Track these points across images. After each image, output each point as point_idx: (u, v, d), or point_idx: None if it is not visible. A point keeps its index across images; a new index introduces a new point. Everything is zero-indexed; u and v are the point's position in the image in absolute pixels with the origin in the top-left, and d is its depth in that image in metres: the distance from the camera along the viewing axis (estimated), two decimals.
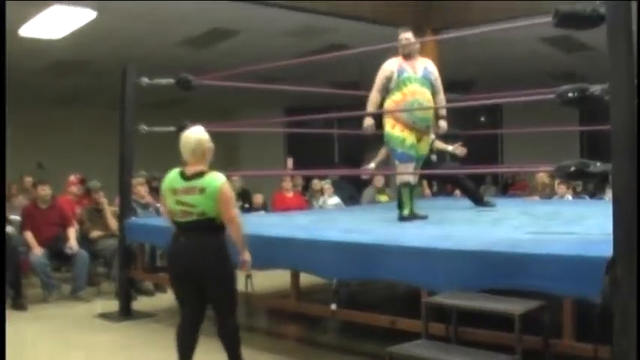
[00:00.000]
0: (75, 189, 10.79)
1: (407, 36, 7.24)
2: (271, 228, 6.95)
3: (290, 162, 16.56)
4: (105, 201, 10.03)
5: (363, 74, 13.22)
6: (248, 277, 7.23)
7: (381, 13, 10.89)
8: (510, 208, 8.82)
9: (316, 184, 12.78)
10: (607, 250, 3.96)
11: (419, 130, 7.16)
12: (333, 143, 18.66)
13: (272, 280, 8.14)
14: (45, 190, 9.46)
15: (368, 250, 5.47)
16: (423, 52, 11.12)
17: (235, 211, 5.11)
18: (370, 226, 6.84)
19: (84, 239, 9.66)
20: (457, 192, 11.38)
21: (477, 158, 11.81)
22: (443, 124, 7.61)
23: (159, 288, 9.32)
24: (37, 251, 8.98)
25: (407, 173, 7.22)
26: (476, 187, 9.50)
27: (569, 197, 11.11)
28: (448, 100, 8.97)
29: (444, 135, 8.58)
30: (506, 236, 5.57)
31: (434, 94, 7.29)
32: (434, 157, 8.92)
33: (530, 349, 4.49)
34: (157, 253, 9.35)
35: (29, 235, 9.10)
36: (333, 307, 6.14)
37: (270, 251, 6.23)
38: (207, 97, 13.67)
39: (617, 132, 3.91)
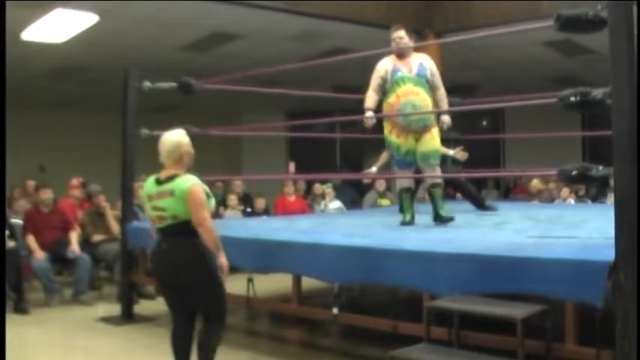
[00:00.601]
0: (77, 192, 10.78)
1: (400, 34, 7.07)
2: (273, 232, 6.95)
3: (292, 166, 16.54)
4: (107, 205, 10.04)
5: (364, 78, 13.27)
6: (250, 280, 7.22)
7: (383, 16, 10.91)
8: (512, 211, 8.82)
9: (317, 188, 12.78)
10: (609, 254, 3.95)
11: (416, 130, 7.01)
12: (335, 147, 18.67)
13: (274, 283, 8.13)
14: (47, 194, 9.47)
15: (370, 254, 5.46)
16: None
17: (206, 214, 4.82)
18: (372, 230, 6.83)
19: (86, 243, 9.66)
20: (458, 195, 11.38)
21: (478, 162, 11.82)
22: (445, 118, 7.28)
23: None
24: (39, 255, 8.98)
25: (405, 177, 7.23)
26: (477, 191, 9.49)
27: (572, 201, 11.11)
28: (449, 104, 8.98)
29: (446, 139, 8.58)
30: (508, 240, 5.56)
31: (433, 89, 7.08)
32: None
33: (533, 353, 4.49)
34: None
35: (31, 239, 9.10)
36: (335, 311, 6.12)
37: (272, 255, 6.24)
38: (209, 101, 13.67)
39: (618, 136, 3.91)
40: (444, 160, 9.05)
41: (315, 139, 16.17)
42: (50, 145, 14.58)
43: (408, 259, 5.19)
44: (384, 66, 7.08)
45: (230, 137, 17.71)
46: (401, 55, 7.06)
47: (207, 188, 4.96)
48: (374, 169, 8.98)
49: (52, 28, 10.02)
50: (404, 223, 7.11)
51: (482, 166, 11.79)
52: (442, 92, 7.16)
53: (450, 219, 6.99)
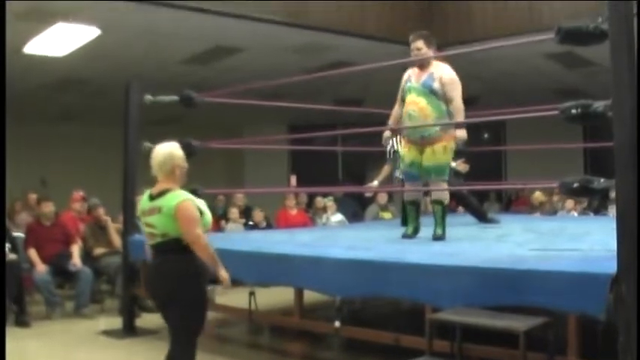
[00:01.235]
0: (78, 206, 10.78)
1: (417, 45, 6.86)
2: (275, 245, 6.95)
3: (293, 179, 16.55)
4: (107, 217, 10.04)
5: (366, 91, 13.30)
6: (251, 294, 7.21)
7: (384, 30, 10.95)
8: (514, 224, 8.81)
9: (319, 202, 12.76)
10: (611, 267, 3.94)
11: (415, 142, 6.86)
12: (336, 160, 18.66)
13: (275, 297, 8.12)
14: (48, 207, 9.47)
15: (371, 267, 5.45)
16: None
17: (198, 231, 4.56)
18: (374, 243, 6.82)
19: (87, 256, 9.66)
20: (460, 208, 11.37)
21: (480, 175, 11.80)
22: (459, 133, 6.91)
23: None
24: (41, 268, 8.98)
25: (408, 190, 7.17)
26: (479, 203, 9.46)
27: (575, 214, 11.10)
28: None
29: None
30: (510, 252, 5.56)
31: (447, 101, 6.73)
32: None
33: None
34: None
35: (33, 253, 9.10)
36: (337, 324, 6.11)
37: (274, 268, 6.23)
38: (211, 114, 13.67)
39: (620, 148, 3.91)
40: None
41: (317, 152, 16.21)
42: (52, 158, 14.58)
43: (410, 271, 5.18)
44: (404, 76, 7.02)
45: (232, 150, 17.68)
46: (421, 65, 6.90)
47: (201, 204, 4.76)
48: (375, 183, 8.96)
49: (54, 42, 10.05)
50: (404, 236, 7.03)
51: (484, 179, 11.78)
52: (455, 105, 6.78)
53: (441, 239, 6.79)
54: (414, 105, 6.75)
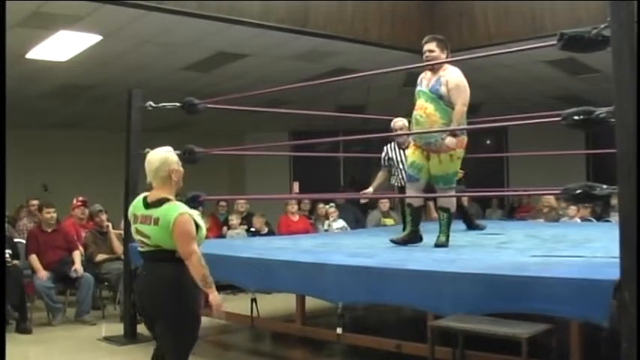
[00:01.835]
0: (78, 212, 10.78)
1: (429, 47, 6.80)
2: (276, 251, 6.94)
3: (296, 186, 16.55)
4: (109, 224, 10.05)
5: (368, 98, 13.31)
6: (253, 300, 7.21)
7: (386, 37, 10.95)
8: (516, 230, 8.81)
9: (320, 208, 12.76)
10: (614, 273, 3.94)
11: (421, 147, 6.82)
12: (338, 167, 18.66)
13: (277, 303, 8.13)
14: (50, 214, 9.47)
15: (373, 273, 5.45)
16: None
17: (193, 247, 4.31)
18: (375, 249, 6.82)
19: (89, 262, 9.66)
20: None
21: (482, 181, 11.79)
22: (448, 140, 6.57)
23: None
24: (42, 275, 8.98)
25: (408, 196, 7.07)
26: (471, 209, 9.41)
27: (578, 220, 11.09)
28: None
29: None
30: (512, 259, 5.56)
31: (452, 106, 6.61)
32: None
33: None
34: None
35: (34, 259, 9.10)
36: (339, 330, 6.11)
37: (276, 275, 6.22)
38: (213, 121, 13.69)
39: (622, 154, 3.91)
40: None
41: (318, 158, 16.20)
42: (53, 164, 14.58)
43: (411, 278, 5.17)
44: (418, 80, 6.97)
45: (234, 156, 17.70)
46: (432, 69, 6.80)
47: (197, 216, 4.48)
48: (370, 189, 8.90)
49: (56, 47, 10.07)
50: (392, 241, 6.95)
51: (486, 186, 11.77)
52: (456, 110, 6.62)
53: (444, 246, 6.72)
54: (422, 110, 6.71)
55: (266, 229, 12.07)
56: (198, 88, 11.47)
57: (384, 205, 12.27)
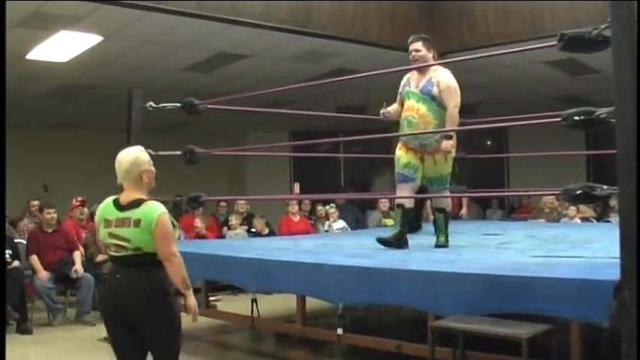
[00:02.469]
0: (77, 212, 10.78)
1: (415, 47, 6.67)
2: (277, 252, 6.94)
3: (297, 187, 16.56)
4: None
5: (368, 98, 13.30)
6: (254, 301, 7.21)
7: (386, 37, 10.95)
8: (516, 231, 8.81)
9: (320, 210, 12.75)
10: (614, 274, 3.94)
11: (414, 148, 6.67)
12: (339, 167, 18.67)
13: (278, 304, 8.13)
14: (51, 214, 9.48)
15: (374, 274, 5.44)
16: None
17: (174, 248, 4.16)
18: (376, 250, 6.81)
19: (89, 263, 9.66)
20: (462, 212, 11.38)
21: (482, 182, 11.78)
22: (444, 143, 6.46)
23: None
24: (43, 275, 8.99)
25: (404, 197, 6.82)
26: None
27: (578, 220, 11.10)
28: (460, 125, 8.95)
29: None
30: (513, 260, 5.56)
31: (444, 107, 6.48)
32: None
33: None
34: None
35: (34, 260, 9.11)
36: (339, 331, 6.12)
37: (276, 275, 6.22)
38: (214, 121, 13.68)
39: (622, 155, 3.91)
40: None
41: (319, 159, 16.20)
42: (54, 164, 14.58)
43: (412, 279, 5.17)
44: (403, 80, 6.87)
45: (234, 157, 17.70)
46: (420, 69, 6.69)
47: (172, 217, 4.32)
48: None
49: (56, 48, 10.07)
50: (379, 240, 6.78)
51: (487, 186, 11.76)
52: (450, 112, 6.47)
53: (444, 246, 6.71)
54: (414, 111, 6.59)
55: (267, 230, 12.07)
56: (198, 89, 11.47)
57: (384, 205, 12.27)
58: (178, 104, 7.83)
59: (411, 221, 7.12)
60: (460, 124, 8.65)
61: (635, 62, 3.91)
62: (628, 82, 3.91)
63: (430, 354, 4.86)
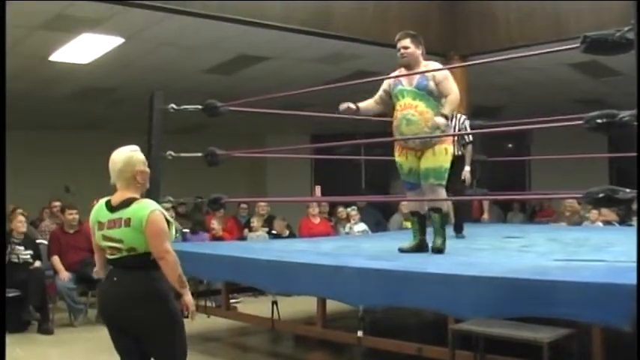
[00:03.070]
0: None
1: (403, 44, 6.41)
2: (297, 254, 6.94)
3: (317, 190, 16.56)
4: None
5: None
6: (274, 303, 7.21)
7: None
8: (537, 234, 8.76)
9: (341, 212, 12.71)
10: (636, 278, 3.90)
11: (414, 148, 6.39)
12: (359, 169, 18.66)
13: (298, 306, 8.12)
14: (72, 215, 9.52)
15: (394, 276, 5.42)
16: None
17: (167, 245, 4.02)
18: (396, 252, 6.78)
19: None
20: (484, 217, 11.32)
21: (504, 185, 11.73)
22: (438, 119, 6.16)
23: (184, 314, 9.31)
24: (64, 276, 9.03)
25: (409, 199, 6.73)
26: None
27: (600, 224, 11.03)
28: (475, 127, 8.91)
29: (472, 161, 8.52)
30: (533, 263, 5.52)
31: (440, 98, 6.26)
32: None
33: None
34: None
35: (56, 260, 9.16)
36: (360, 333, 6.10)
37: (297, 278, 6.20)
38: (234, 123, 13.71)
39: None
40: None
41: (339, 161, 16.20)
42: (76, 165, 14.66)
43: (432, 282, 5.14)
44: (389, 79, 6.62)
45: (255, 159, 17.74)
46: (407, 65, 6.41)
47: (167, 214, 4.20)
48: None
49: (78, 50, 10.13)
50: (401, 250, 6.62)
51: (508, 189, 11.72)
52: (450, 98, 6.26)
53: (440, 251, 6.37)
54: (412, 109, 6.29)
55: (287, 232, 12.07)
56: (218, 91, 11.50)
57: (406, 207, 12.23)
58: (200, 106, 7.84)
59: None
60: (481, 127, 8.62)
61: None
62: None
63: (450, 357, 4.85)
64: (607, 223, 11.24)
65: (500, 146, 17.21)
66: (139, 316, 4.02)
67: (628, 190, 4.21)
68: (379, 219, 13.37)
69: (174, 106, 7.77)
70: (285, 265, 6.34)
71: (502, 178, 14.21)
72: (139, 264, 4.04)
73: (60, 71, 11.04)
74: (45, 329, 8.56)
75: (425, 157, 6.37)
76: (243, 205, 13.37)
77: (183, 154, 7.81)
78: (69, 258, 9.22)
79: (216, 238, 11.02)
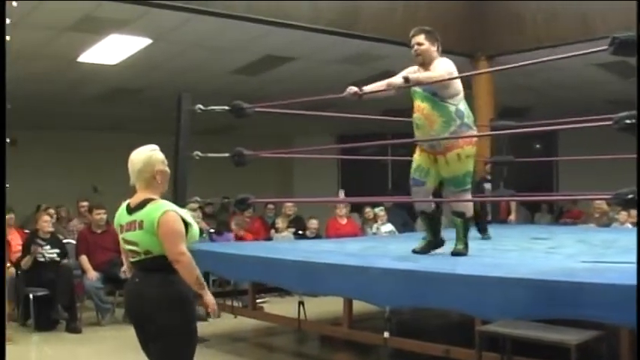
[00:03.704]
0: None
1: (417, 40, 6.22)
2: (323, 254, 6.93)
3: (342, 193, 16.54)
4: None
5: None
6: (301, 303, 7.22)
7: None
8: (565, 235, 8.71)
9: (368, 212, 12.67)
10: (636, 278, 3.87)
11: (426, 150, 6.31)
12: (386, 170, 18.63)
13: (324, 306, 8.12)
14: (100, 215, 9.57)
15: (420, 277, 5.40)
16: (476, 80, 11.06)
17: (181, 247, 3.90)
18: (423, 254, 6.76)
19: None
20: (511, 218, 11.25)
21: (531, 186, 11.65)
22: (397, 79, 6.16)
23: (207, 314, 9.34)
24: (92, 275, 9.09)
25: (421, 200, 6.54)
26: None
27: (629, 225, 10.94)
28: (502, 128, 8.87)
29: (499, 162, 8.47)
30: (561, 265, 5.49)
31: (451, 98, 6.08)
32: (488, 186, 8.79)
33: None
34: (209, 278, 9.36)
35: (84, 260, 9.22)
36: (386, 334, 6.09)
37: (323, 278, 6.20)
38: (261, 124, 13.75)
39: None
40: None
41: (366, 162, 16.17)
42: (104, 166, 14.74)
43: (459, 283, 5.12)
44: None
45: (282, 159, 17.77)
46: (423, 64, 6.21)
47: (185, 214, 4.12)
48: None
49: (106, 51, 10.20)
50: (414, 251, 6.52)
51: (536, 190, 11.64)
52: (428, 73, 6.06)
53: (462, 254, 6.22)
54: (419, 112, 6.20)
55: (314, 233, 12.07)
56: (245, 92, 11.52)
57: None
58: (227, 107, 7.86)
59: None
60: (508, 127, 8.55)
61: None
62: None
63: (477, 359, 4.82)
64: (636, 224, 11.13)
65: (529, 147, 17.12)
66: (156, 319, 3.96)
67: None
68: (406, 219, 13.33)
69: (201, 106, 7.80)
70: (312, 265, 6.34)
71: (529, 179, 14.10)
72: (157, 267, 3.97)
73: (88, 72, 11.12)
74: (73, 328, 8.63)
75: (440, 165, 6.26)
76: (271, 206, 13.40)
77: (210, 155, 7.83)
78: (97, 258, 9.27)
79: (238, 239, 11.03)
